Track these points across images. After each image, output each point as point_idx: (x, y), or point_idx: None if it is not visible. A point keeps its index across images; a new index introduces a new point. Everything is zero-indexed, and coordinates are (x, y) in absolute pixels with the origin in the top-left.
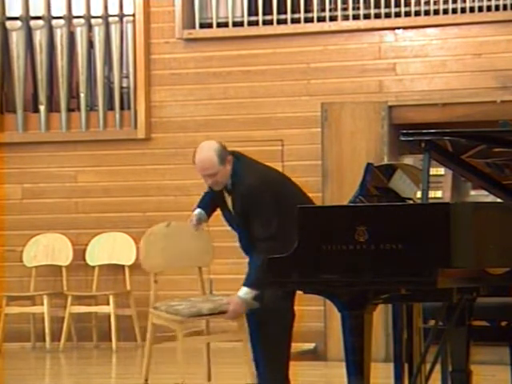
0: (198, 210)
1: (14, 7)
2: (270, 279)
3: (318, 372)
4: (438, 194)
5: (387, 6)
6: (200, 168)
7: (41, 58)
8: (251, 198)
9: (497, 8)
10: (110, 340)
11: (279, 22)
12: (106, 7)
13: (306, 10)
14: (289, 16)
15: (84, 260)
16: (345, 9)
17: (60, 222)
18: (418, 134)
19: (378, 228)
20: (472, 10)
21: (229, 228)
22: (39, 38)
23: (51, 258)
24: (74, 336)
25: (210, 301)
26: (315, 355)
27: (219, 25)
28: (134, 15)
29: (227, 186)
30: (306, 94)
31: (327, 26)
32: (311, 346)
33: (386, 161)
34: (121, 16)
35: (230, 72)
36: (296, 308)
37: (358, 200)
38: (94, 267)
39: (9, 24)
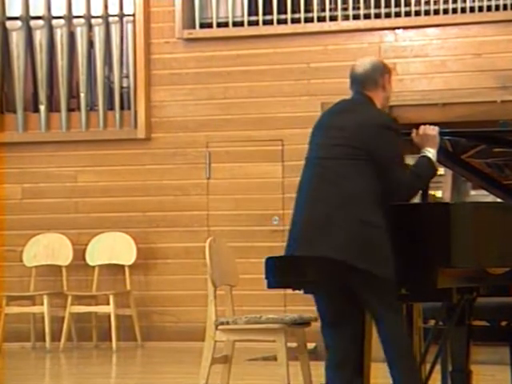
0: None
1: (14, 7)
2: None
3: (318, 372)
4: (438, 193)
5: (387, 5)
6: None
7: (41, 57)
8: None
9: (497, 8)
10: (110, 340)
11: (279, 21)
12: (106, 7)
13: (306, 10)
14: (289, 16)
15: (84, 260)
16: (345, 9)
17: (60, 222)
18: None
19: None
20: (472, 9)
21: None
22: (39, 37)
23: (51, 257)
24: (74, 336)
25: (271, 317)
26: (315, 355)
27: (219, 25)
28: (134, 15)
29: None
30: (306, 94)
31: (327, 25)
32: (311, 345)
33: None
34: (121, 16)
35: (230, 72)
36: (296, 308)
37: None
38: (93, 267)
39: (9, 24)
